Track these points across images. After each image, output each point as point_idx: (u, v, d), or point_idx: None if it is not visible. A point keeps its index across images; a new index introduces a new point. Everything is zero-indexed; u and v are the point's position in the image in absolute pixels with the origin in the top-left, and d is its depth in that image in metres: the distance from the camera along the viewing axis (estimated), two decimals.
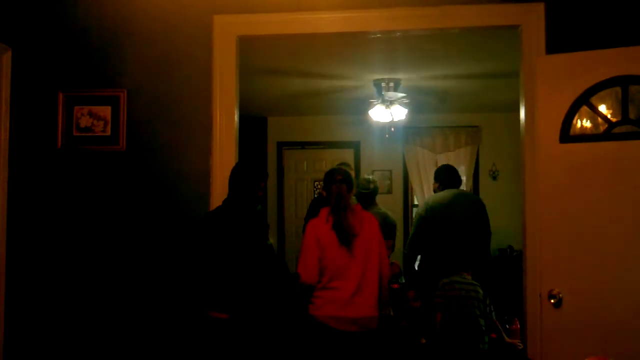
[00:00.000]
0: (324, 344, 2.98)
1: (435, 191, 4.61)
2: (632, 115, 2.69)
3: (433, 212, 4.37)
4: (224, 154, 3.03)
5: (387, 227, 4.35)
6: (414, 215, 4.50)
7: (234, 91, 3.07)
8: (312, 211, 5.27)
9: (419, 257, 4.46)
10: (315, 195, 7.18)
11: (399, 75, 5.24)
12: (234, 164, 2.98)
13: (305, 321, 3.03)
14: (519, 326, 3.54)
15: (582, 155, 2.74)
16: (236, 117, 3.10)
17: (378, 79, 5.32)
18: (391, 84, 5.33)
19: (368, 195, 4.36)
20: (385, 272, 3.16)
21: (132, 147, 3.08)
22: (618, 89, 2.70)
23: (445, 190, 4.48)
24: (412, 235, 4.44)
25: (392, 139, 6.43)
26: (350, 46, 4.26)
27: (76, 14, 3.15)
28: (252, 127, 7.06)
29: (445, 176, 4.56)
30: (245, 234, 2.82)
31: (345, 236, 3.01)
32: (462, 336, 3.42)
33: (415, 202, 7.45)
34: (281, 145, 7.55)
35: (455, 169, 4.64)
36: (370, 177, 4.62)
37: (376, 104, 5.62)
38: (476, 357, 3.38)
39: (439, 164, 7.15)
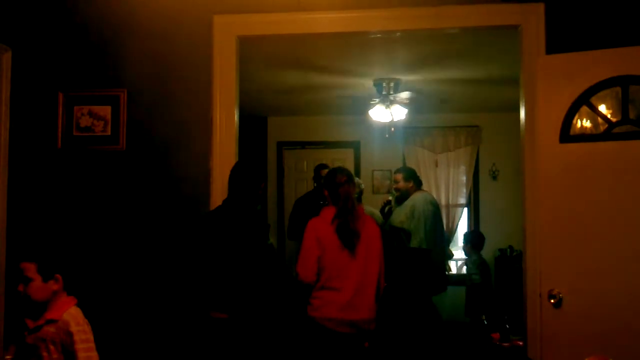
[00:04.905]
0: (322, 345, 2.98)
1: (403, 190, 4.78)
2: (632, 115, 2.69)
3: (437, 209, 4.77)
4: (224, 154, 3.03)
5: None
6: (422, 211, 4.60)
7: (234, 91, 3.07)
8: (299, 210, 5.33)
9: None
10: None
11: (399, 75, 5.24)
12: (234, 164, 2.98)
13: (304, 322, 3.03)
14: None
15: (582, 155, 2.74)
16: (236, 117, 3.10)
17: (378, 79, 5.32)
18: (391, 84, 5.33)
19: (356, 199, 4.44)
20: (382, 275, 3.17)
21: (132, 146, 3.08)
22: (618, 89, 2.70)
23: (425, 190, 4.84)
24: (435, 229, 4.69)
25: (392, 139, 6.42)
26: (350, 46, 4.26)
27: (76, 14, 3.15)
28: (252, 127, 7.05)
29: (419, 179, 4.91)
30: (245, 233, 2.82)
31: (350, 239, 3.01)
32: None
33: None
34: (281, 145, 7.55)
35: None
36: (356, 178, 4.69)
37: (376, 104, 5.62)
38: None
39: (439, 164, 7.20)
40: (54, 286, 2.19)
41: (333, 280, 2.99)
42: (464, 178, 7.25)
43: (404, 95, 5.48)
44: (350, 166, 7.16)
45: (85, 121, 3.09)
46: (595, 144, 2.73)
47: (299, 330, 3.09)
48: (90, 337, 2.12)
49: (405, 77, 5.28)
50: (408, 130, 7.10)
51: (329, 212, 3.10)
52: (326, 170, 4.40)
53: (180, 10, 3.08)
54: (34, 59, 3.14)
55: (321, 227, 3.05)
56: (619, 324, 2.63)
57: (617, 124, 2.71)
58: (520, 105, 2.98)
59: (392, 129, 5.95)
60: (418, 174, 5.05)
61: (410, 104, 5.74)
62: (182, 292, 2.98)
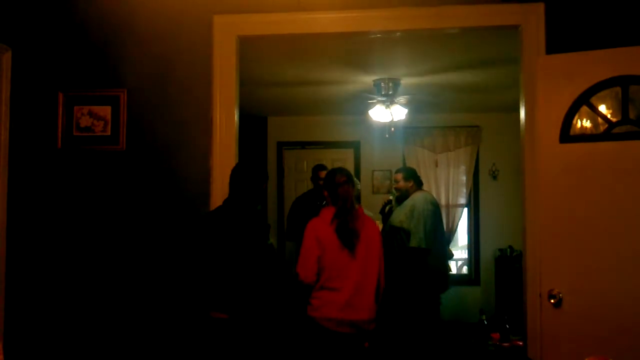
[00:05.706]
0: (322, 346, 2.98)
1: (403, 190, 4.82)
2: (632, 115, 2.69)
3: (437, 208, 4.76)
4: (224, 154, 3.03)
5: None
6: (421, 211, 4.60)
7: (234, 91, 3.07)
8: (297, 211, 5.37)
9: None
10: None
11: (399, 75, 5.24)
12: (234, 164, 2.98)
13: (304, 322, 3.03)
14: None
15: (582, 155, 2.74)
16: (236, 117, 3.10)
17: (378, 79, 5.32)
18: (391, 84, 5.33)
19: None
20: (382, 275, 3.17)
21: (132, 147, 3.08)
22: (618, 89, 2.70)
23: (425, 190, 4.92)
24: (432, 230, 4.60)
25: (392, 139, 6.43)
26: (350, 46, 4.26)
27: (76, 14, 3.15)
28: (252, 127, 7.06)
29: (419, 178, 4.92)
30: (246, 234, 2.82)
31: (350, 239, 3.01)
32: None
33: None
34: (281, 145, 7.55)
35: None
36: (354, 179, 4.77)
37: (376, 104, 5.63)
38: None
39: (439, 164, 7.21)
40: None
41: (333, 281, 3.00)
42: (464, 178, 7.25)
43: (403, 96, 5.49)
44: (350, 166, 7.16)
45: (85, 121, 3.09)
46: (595, 144, 2.73)
47: (299, 331, 3.09)
48: None
49: (405, 77, 5.28)
50: (408, 130, 7.11)
51: (328, 213, 3.10)
52: (324, 172, 4.46)
53: (180, 11, 3.09)
54: (34, 58, 3.14)
55: (321, 227, 3.05)
56: (619, 324, 2.63)
57: (617, 124, 2.71)
58: (520, 105, 2.98)
59: (392, 129, 5.96)
60: (418, 174, 5.06)
61: (410, 104, 5.74)
62: (183, 292, 2.98)
